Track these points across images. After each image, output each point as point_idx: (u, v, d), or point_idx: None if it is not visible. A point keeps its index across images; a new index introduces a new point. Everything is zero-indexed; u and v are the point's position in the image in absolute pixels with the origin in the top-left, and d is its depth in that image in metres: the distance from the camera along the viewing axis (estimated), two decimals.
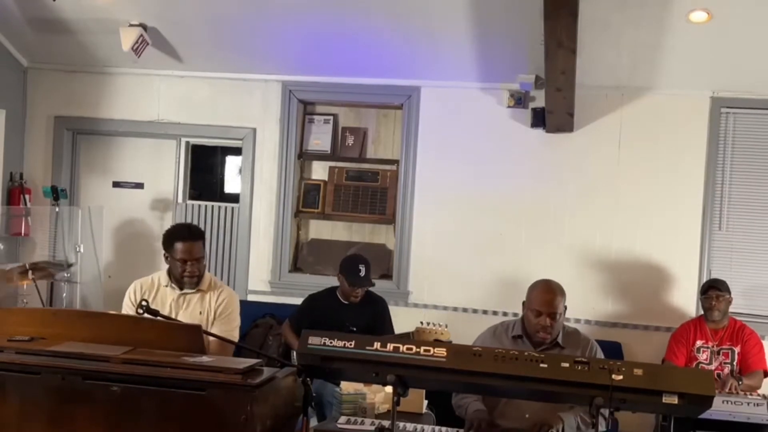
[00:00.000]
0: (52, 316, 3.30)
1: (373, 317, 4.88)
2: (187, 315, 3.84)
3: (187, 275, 3.86)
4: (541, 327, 3.55)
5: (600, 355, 3.60)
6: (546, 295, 3.59)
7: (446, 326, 4.75)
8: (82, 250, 6.00)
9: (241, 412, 2.72)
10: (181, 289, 3.90)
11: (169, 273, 3.95)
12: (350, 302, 4.85)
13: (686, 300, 5.40)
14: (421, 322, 4.83)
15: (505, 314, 5.40)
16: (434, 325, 4.72)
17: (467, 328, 4.67)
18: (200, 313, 3.87)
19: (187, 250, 3.84)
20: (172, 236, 3.92)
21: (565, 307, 3.66)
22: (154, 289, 3.92)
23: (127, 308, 3.91)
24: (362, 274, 4.78)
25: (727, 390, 4.53)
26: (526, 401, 3.36)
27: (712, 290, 4.84)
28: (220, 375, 2.79)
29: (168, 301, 3.88)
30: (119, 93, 6.24)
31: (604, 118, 5.50)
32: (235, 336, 3.89)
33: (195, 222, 6.17)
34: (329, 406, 4.15)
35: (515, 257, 5.59)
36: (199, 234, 3.97)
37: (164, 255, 3.95)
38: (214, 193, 6.70)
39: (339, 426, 3.25)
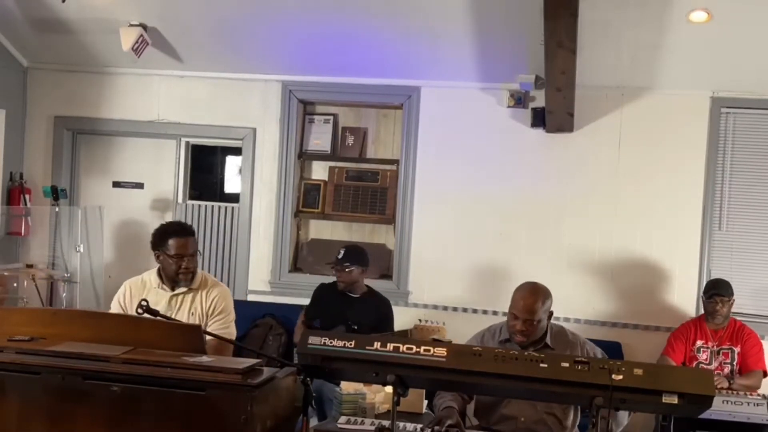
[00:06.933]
0: (52, 316, 3.30)
1: (377, 317, 4.96)
2: (180, 316, 3.77)
3: (182, 272, 3.79)
4: (517, 331, 3.46)
5: (596, 351, 3.53)
6: (523, 301, 3.49)
7: (443, 324, 4.78)
8: (82, 250, 6.01)
9: (241, 412, 2.72)
10: (172, 289, 3.84)
11: (160, 273, 3.88)
12: (353, 294, 4.97)
13: (686, 300, 5.40)
14: (420, 320, 4.87)
15: (504, 314, 5.38)
16: (432, 322, 4.78)
17: (467, 327, 4.65)
18: (192, 313, 3.81)
19: (182, 245, 3.79)
20: (165, 233, 3.84)
21: (551, 312, 3.55)
22: (145, 292, 3.82)
23: (116, 310, 3.83)
24: (340, 256, 4.94)
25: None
26: (520, 407, 3.37)
27: (716, 296, 4.83)
28: (220, 375, 2.79)
29: (161, 303, 3.75)
30: (119, 93, 6.24)
31: (604, 118, 5.50)
32: (232, 332, 3.86)
33: (195, 222, 6.17)
34: (329, 404, 4.16)
35: (515, 257, 5.59)
36: (192, 229, 3.95)
37: (155, 254, 3.87)
38: (214, 193, 6.70)
39: (339, 426, 3.25)
